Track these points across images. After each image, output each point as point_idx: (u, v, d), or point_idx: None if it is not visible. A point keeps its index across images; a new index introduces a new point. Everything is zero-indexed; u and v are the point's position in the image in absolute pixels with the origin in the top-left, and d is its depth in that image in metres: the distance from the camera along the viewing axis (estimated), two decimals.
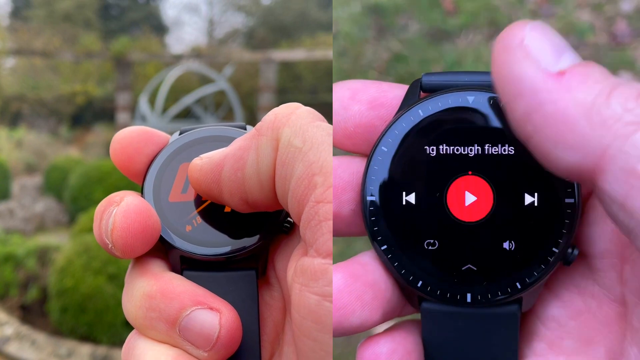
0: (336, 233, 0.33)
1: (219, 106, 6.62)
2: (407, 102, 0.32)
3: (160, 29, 13.55)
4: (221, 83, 5.95)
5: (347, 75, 2.02)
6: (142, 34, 9.65)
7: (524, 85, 0.26)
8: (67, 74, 9.45)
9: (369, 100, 0.32)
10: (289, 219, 0.32)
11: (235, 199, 0.30)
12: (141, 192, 0.33)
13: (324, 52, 7.73)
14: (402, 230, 0.32)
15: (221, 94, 6.17)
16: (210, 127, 0.34)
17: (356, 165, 0.33)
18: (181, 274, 0.32)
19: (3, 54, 7.91)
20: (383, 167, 0.32)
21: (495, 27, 2.07)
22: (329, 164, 0.27)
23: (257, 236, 0.32)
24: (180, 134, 0.35)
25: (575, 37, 2.05)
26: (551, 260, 0.31)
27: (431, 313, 0.32)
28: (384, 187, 0.32)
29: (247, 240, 0.32)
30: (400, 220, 0.32)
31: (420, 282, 0.32)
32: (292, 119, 0.29)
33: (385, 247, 0.32)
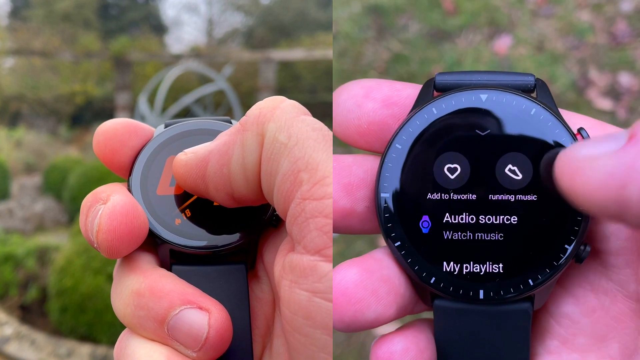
0: (350, 230, 0.33)
1: (218, 106, 6.61)
2: (421, 101, 0.33)
3: (159, 28, 13.54)
4: (220, 83, 5.94)
5: (347, 75, 2.02)
6: (141, 34, 9.65)
7: (619, 172, 0.25)
8: (66, 74, 9.44)
9: (382, 99, 0.33)
10: (276, 214, 0.32)
11: (221, 194, 0.30)
12: (128, 186, 0.32)
13: (323, 51, 7.73)
14: (415, 228, 0.32)
15: (220, 93, 6.16)
16: (196, 120, 0.34)
17: (370, 162, 0.33)
18: (170, 268, 0.32)
19: (2, 53, 7.91)
20: (397, 164, 0.32)
21: (495, 27, 2.08)
22: (315, 160, 0.27)
23: (247, 230, 0.32)
24: (165, 127, 0.34)
25: (575, 37, 2.05)
26: (563, 257, 0.31)
27: (444, 310, 0.32)
28: (398, 185, 0.32)
29: (236, 234, 0.32)
30: (413, 218, 0.32)
31: (433, 279, 0.32)
32: (277, 113, 0.29)
33: (399, 243, 0.32)
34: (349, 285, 0.31)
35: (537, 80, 0.33)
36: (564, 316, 0.33)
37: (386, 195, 0.32)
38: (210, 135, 0.32)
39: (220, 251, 0.31)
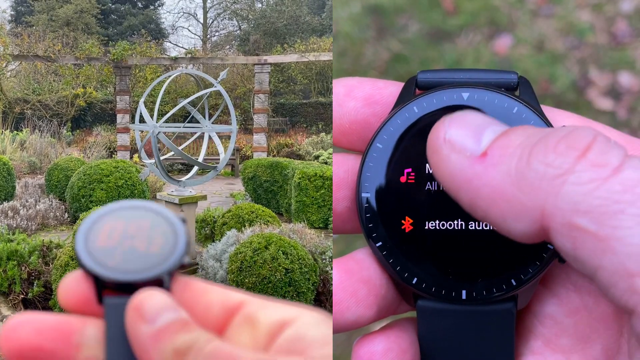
0: (333, 230, 0.33)
1: (214, 108, 6.62)
2: (403, 99, 0.32)
3: (158, 33, 13.59)
4: (216, 86, 5.96)
5: (347, 75, 2.02)
6: (140, 39, 9.67)
7: (459, 178, 0.27)
8: (68, 78, 9.47)
9: (364, 97, 0.32)
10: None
11: None
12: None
13: (316, 55, 7.75)
14: (397, 228, 0.32)
15: (217, 97, 6.18)
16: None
17: (351, 162, 0.33)
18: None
19: (6, 58, 7.92)
20: (378, 164, 0.32)
21: (495, 27, 2.08)
22: None
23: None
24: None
25: (575, 37, 2.05)
26: (546, 257, 0.31)
27: (427, 310, 0.32)
28: (380, 184, 0.32)
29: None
30: (395, 218, 0.32)
31: (416, 279, 0.31)
32: None
33: (380, 244, 0.32)
34: (333, 285, 0.30)
35: (520, 78, 0.32)
36: (547, 317, 0.32)
37: (367, 195, 0.32)
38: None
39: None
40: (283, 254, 2.39)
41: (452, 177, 0.27)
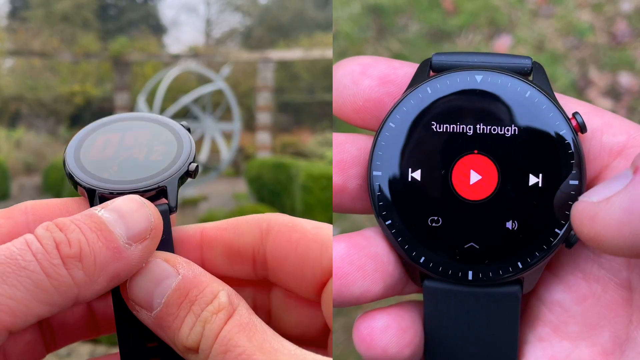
0: (341, 208, 0.33)
1: (216, 106, 6.61)
2: (416, 81, 0.32)
3: (158, 29, 13.54)
4: (219, 83, 5.94)
5: None
6: (140, 34, 9.64)
7: (635, 205, 0.26)
8: (65, 75, 9.44)
9: (379, 77, 0.32)
10: (192, 163, 0.31)
11: None
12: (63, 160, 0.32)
13: (321, 51, 7.73)
14: (406, 206, 0.32)
15: (219, 93, 6.17)
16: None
17: (363, 141, 0.33)
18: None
19: (2, 54, 7.90)
20: (390, 143, 0.32)
21: (496, 27, 2.08)
22: None
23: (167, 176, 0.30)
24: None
25: (575, 37, 2.05)
26: (554, 241, 0.31)
27: (433, 291, 0.32)
28: (391, 163, 0.32)
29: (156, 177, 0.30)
30: (405, 196, 0.32)
31: (423, 258, 0.32)
32: None
33: (389, 222, 0.32)
34: (335, 259, 0.30)
35: (534, 63, 0.32)
36: (555, 303, 0.32)
37: (378, 174, 0.32)
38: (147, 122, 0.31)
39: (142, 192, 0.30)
40: None
41: (630, 212, 0.26)
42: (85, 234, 0.27)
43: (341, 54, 2.09)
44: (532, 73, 0.32)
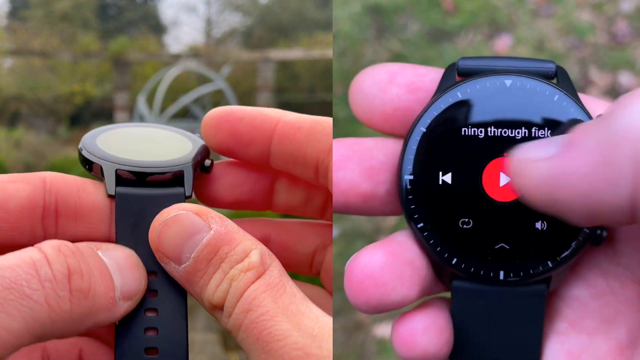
0: (372, 212, 0.34)
1: (217, 106, 6.59)
2: (443, 85, 0.33)
3: (158, 28, 13.53)
4: (219, 82, 5.94)
5: (347, 75, 2.02)
6: (140, 34, 9.64)
7: (553, 174, 0.27)
8: (65, 74, 9.43)
9: (406, 84, 0.33)
10: (207, 160, 0.32)
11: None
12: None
13: (322, 51, 7.73)
14: (437, 209, 0.32)
15: (219, 93, 6.17)
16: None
17: (392, 146, 0.33)
18: (115, 189, 0.30)
19: (1, 54, 7.90)
20: (420, 147, 0.32)
21: (495, 26, 2.08)
22: None
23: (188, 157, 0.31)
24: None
25: (575, 37, 2.05)
26: (581, 239, 0.32)
27: (462, 290, 0.33)
28: (421, 167, 0.32)
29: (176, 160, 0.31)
30: (436, 199, 0.32)
31: (455, 260, 0.32)
32: None
33: (421, 225, 0.32)
34: (375, 268, 0.31)
35: (558, 67, 0.33)
36: (573, 299, 0.33)
37: (409, 178, 0.32)
38: None
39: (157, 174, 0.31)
40: None
41: (550, 179, 0.27)
42: (94, 270, 0.27)
43: (341, 54, 2.09)
44: (557, 76, 0.33)
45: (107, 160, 0.31)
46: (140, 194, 0.30)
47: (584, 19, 2.07)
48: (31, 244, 0.28)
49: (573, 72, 2.01)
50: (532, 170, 0.27)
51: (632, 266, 0.32)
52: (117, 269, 0.28)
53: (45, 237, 0.30)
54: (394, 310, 0.33)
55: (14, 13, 13.26)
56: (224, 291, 0.27)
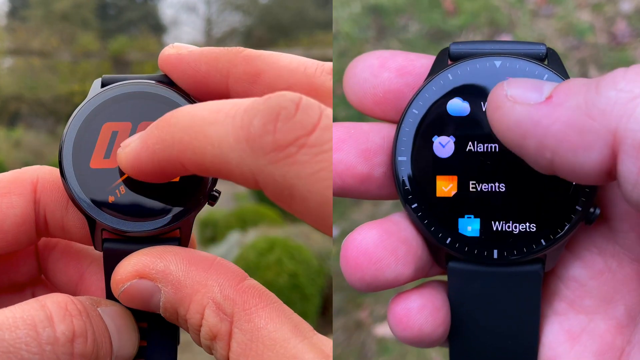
0: (368, 195, 0.34)
1: None
2: (436, 69, 0.34)
3: (158, 28, 13.53)
4: None
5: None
6: (140, 34, 9.64)
7: (525, 124, 0.27)
8: (65, 74, 9.44)
9: (397, 69, 0.34)
10: (216, 189, 0.31)
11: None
12: (59, 155, 0.30)
13: (322, 51, 7.73)
14: (432, 190, 0.33)
15: None
16: (137, 81, 0.31)
17: (387, 130, 0.34)
18: (102, 245, 0.29)
19: (1, 54, 7.90)
20: (414, 129, 0.33)
21: (495, 27, 2.08)
22: None
23: (182, 208, 0.29)
24: (102, 86, 0.31)
25: (575, 37, 2.05)
26: (574, 218, 0.32)
27: (458, 271, 0.33)
28: (415, 148, 0.33)
29: (169, 216, 0.29)
30: (430, 181, 0.33)
31: (449, 240, 0.33)
32: None
33: (415, 205, 0.33)
34: (370, 245, 0.32)
35: (549, 49, 0.34)
36: (571, 279, 0.33)
37: (403, 159, 0.33)
38: (153, 99, 0.30)
39: (151, 232, 0.29)
40: (288, 257, 2.38)
41: (518, 125, 0.28)
42: (97, 333, 0.26)
43: (341, 54, 2.09)
44: (547, 59, 0.34)
45: (93, 216, 0.29)
46: (128, 249, 0.29)
47: (584, 20, 2.07)
48: (30, 245, 0.29)
49: (573, 73, 2.01)
50: (509, 109, 0.28)
51: (629, 244, 0.32)
52: (115, 331, 0.27)
53: (38, 234, 0.31)
54: (390, 289, 0.33)
55: (14, 13, 13.25)
56: (208, 347, 0.27)
